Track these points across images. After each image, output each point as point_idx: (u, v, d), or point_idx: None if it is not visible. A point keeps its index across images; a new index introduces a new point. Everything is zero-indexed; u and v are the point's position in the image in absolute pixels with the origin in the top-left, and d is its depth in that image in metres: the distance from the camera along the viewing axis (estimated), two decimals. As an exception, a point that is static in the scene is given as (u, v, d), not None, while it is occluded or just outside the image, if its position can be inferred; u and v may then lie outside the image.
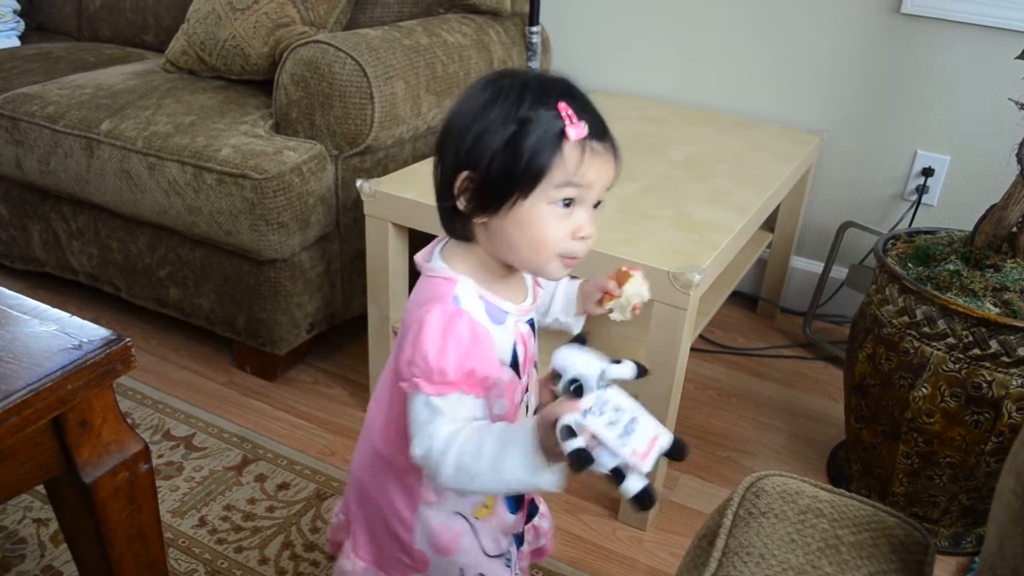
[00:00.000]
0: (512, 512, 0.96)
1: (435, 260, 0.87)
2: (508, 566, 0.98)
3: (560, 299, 1.01)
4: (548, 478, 0.74)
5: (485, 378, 0.81)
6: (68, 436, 0.86)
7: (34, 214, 1.95)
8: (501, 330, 0.85)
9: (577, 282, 1.02)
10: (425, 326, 0.79)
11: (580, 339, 0.82)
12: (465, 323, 0.80)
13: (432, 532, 0.93)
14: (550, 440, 0.72)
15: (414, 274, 0.93)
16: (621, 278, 0.96)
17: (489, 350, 0.82)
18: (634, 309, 0.96)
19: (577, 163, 0.79)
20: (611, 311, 0.97)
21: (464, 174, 0.80)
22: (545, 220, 0.80)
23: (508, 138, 0.78)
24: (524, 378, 0.92)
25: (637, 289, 0.96)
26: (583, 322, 1.03)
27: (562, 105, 0.79)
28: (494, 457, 0.76)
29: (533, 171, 0.78)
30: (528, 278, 0.93)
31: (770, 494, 0.74)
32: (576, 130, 0.78)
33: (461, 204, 0.81)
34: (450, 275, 0.84)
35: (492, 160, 0.78)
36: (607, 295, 0.96)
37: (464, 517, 0.93)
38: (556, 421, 0.70)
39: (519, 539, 1.02)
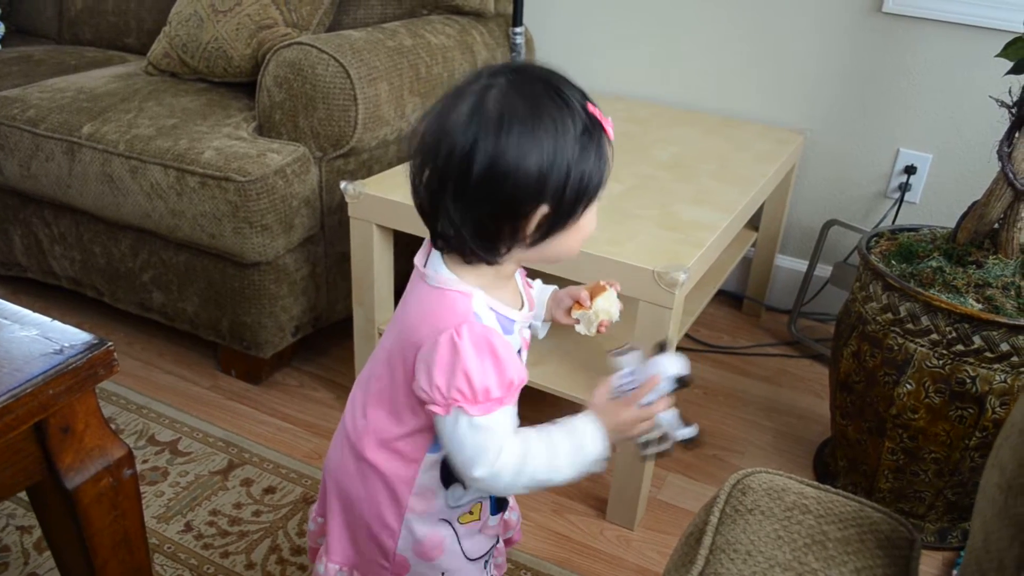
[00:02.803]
0: (494, 514, 0.96)
1: (442, 270, 0.82)
2: (485, 568, 0.98)
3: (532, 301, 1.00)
4: (603, 462, 0.85)
5: (521, 381, 0.81)
6: (50, 442, 0.85)
7: (15, 219, 1.93)
8: (511, 339, 0.85)
9: (551, 288, 1.01)
10: (460, 349, 0.77)
11: (661, 346, 0.89)
12: (496, 338, 0.79)
13: (417, 539, 0.92)
14: (630, 430, 0.86)
15: (399, 276, 0.92)
16: (595, 291, 0.96)
17: (516, 356, 0.82)
18: (600, 325, 0.96)
19: (613, 158, 0.80)
20: (577, 322, 0.97)
21: (541, 211, 0.76)
22: (592, 218, 0.82)
23: (575, 160, 0.75)
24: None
25: (608, 306, 0.96)
26: (548, 328, 1.03)
27: (592, 108, 0.77)
28: (568, 461, 0.83)
29: (597, 184, 0.78)
30: (520, 283, 0.92)
31: (756, 491, 0.74)
32: (611, 130, 0.79)
33: (528, 240, 0.78)
34: (464, 289, 0.81)
35: (565, 189, 0.75)
36: (577, 304, 0.97)
37: (449, 523, 0.93)
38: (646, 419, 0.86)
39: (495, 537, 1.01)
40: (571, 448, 0.83)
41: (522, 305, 0.89)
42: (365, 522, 0.93)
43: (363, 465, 0.91)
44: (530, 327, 1.00)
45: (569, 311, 0.98)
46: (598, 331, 0.97)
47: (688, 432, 0.87)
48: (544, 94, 0.75)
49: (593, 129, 0.77)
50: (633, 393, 0.86)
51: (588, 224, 0.82)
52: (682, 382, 0.86)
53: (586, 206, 0.79)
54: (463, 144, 0.73)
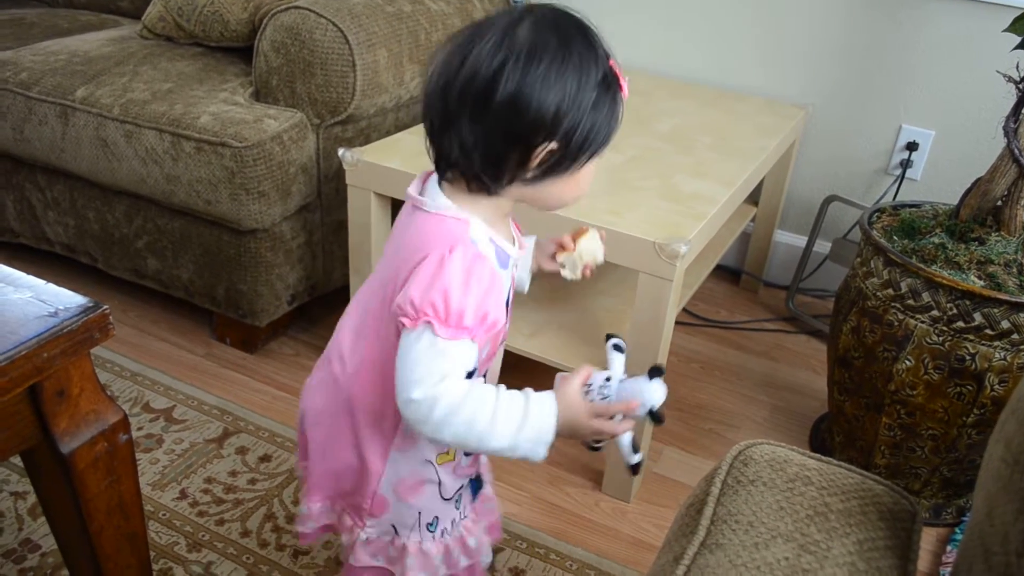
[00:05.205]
0: (467, 455, 0.97)
1: (439, 197, 0.82)
2: (457, 508, 0.98)
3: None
4: (545, 453, 0.81)
5: (494, 322, 0.80)
6: (45, 406, 0.84)
7: (8, 184, 1.91)
8: (505, 275, 0.85)
9: (533, 237, 1.02)
10: (447, 266, 0.77)
11: (655, 371, 0.86)
12: (486, 266, 0.79)
13: (400, 479, 0.92)
14: (583, 436, 0.84)
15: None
16: (577, 234, 0.98)
17: (500, 294, 0.82)
18: (585, 268, 0.98)
19: (623, 116, 0.81)
20: (563, 266, 0.98)
21: (549, 146, 0.77)
22: (590, 175, 0.84)
23: (591, 106, 0.77)
24: (507, 323, 0.92)
25: (591, 247, 0.97)
26: (530, 280, 1.02)
27: (613, 62, 0.79)
28: (509, 429, 0.79)
29: (605, 137, 0.80)
30: (512, 225, 0.92)
31: (758, 462, 0.74)
32: (626, 87, 0.80)
33: (530, 173, 0.79)
34: (460, 215, 0.81)
35: (575, 131, 0.77)
36: (560, 248, 0.98)
37: (431, 463, 0.93)
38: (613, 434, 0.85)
39: (475, 482, 1.01)
40: (517, 417, 0.79)
41: (514, 243, 0.90)
42: (347, 465, 0.93)
43: (351, 405, 0.90)
44: (516, 281, 1.01)
45: (553, 257, 0.99)
46: (583, 275, 0.98)
47: (636, 458, 0.87)
48: (576, 34, 0.77)
49: (611, 82, 0.79)
50: (605, 406, 0.83)
51: (585, 178, 0.83)
52: (655, 416, 0.84)
53: (590, 156, 0.81)
54: (489, 67, 0.74)
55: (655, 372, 0.85)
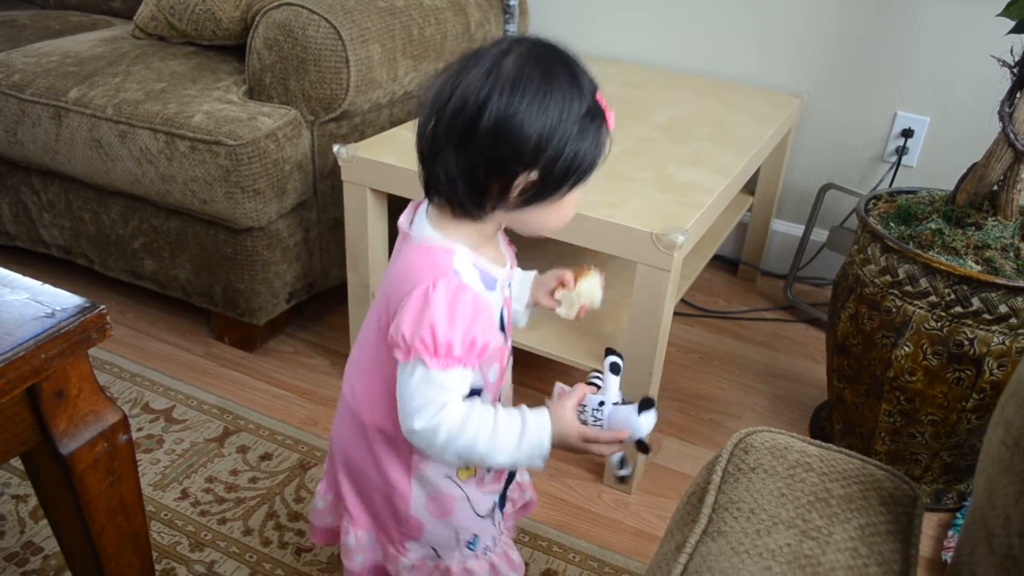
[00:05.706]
0: (488, 470, 0.97)
1: (426, 228, 0.85)
2: (494, 524, 1.00)
3: (516, 286, 1.01)
4: (542, 466, 0.87)
5: (485, 347, 0.82)
6: (43, 407, 0.84)
7: (3, 186, 1.90)
8: (493, 296, 0.86)
9: (533, 272, 1.03)
10: (431, 300, 0.79)
11: (646, 404, 0.88)
12: (469, 296, 0.80)
13: (429, 497, 0.93)
14: (573, 452, 0.90)
15: (393, 241, 0.92)
16: (579, 273, 0.99)
17: (489, 319, 0.83)
18: (580, 309, 0.99)
19: (609, 147, 0.83)
20: (559, 303, 0.99)
21: (530, 176, 0.79)
22: (574, 201, 0.85)
23: (573, 137, 0.78)
24: (509, 341, 0.93)
25: (590, 288, 0.98)
26: (530, 314, 1.04)
27: (599, 96, 0.81)
28: (508, 446, 0.83)
29: (588, 167, 0.81)
30: (502, 242, 0.93)
31: (759, 449, 0.74)
32: (612, 120, 0.82)
33: (511, 202, 0.81)
34: (446, 245, 0.83)
35: (556, 162, 0.78)
36: (560, 284, 0.99)
37: (454, 482, 0.94)
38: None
39: (501, 501, 1.02)
40: (515, 436, 0.84)
41: (504, 263, 0.91)
42: (376, 489, 0.95)
43: (366, 430, 0.93)
44: (512, 309, 1.02)
45: (552, 292, 1.00)
46: (577, 316, 0.99)
47: (623, 472, 0.94)
48: (560, 69, 0.79)
49: (596, 115, 0.80)
50: (596, 433, 0.87)
51: (569, 206, 0.85)
52: (642, 445, 0.88)
53: (572, 185, 0.82)
54: (476, 98, 0.76)
55: (646, 404, 0.87)
